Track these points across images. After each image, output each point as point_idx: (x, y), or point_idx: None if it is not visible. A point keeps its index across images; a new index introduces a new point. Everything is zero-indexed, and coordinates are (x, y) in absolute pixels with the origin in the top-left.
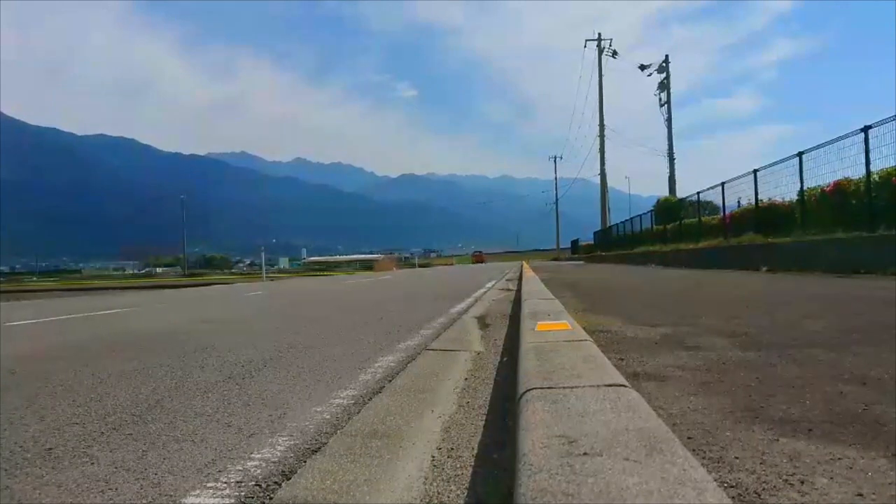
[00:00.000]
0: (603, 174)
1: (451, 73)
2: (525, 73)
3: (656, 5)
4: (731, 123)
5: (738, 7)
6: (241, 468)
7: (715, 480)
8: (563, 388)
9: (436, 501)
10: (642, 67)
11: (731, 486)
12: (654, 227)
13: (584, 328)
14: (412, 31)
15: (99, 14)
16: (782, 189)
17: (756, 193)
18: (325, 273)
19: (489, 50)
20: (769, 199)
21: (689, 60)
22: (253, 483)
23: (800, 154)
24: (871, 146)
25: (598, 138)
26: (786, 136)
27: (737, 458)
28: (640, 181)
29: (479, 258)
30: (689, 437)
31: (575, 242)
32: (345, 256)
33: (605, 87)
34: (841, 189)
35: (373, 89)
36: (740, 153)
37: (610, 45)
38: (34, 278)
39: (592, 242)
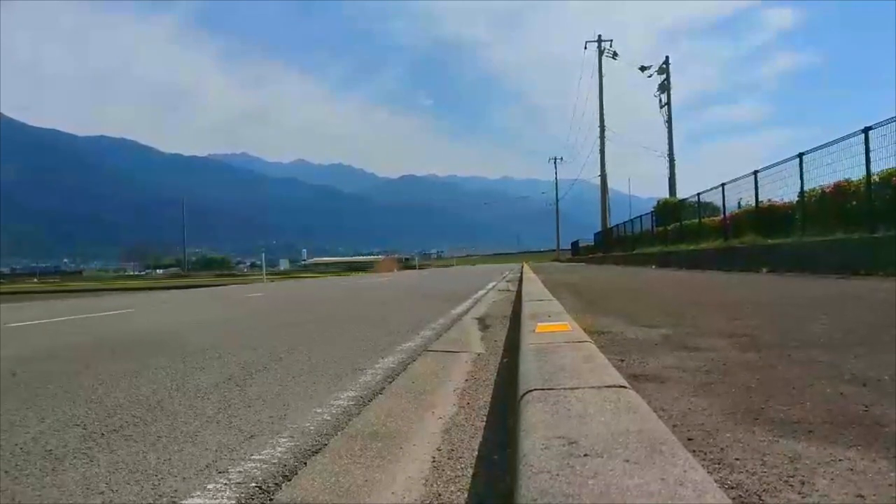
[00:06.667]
0: (603, 175)
1: (467, 83)
2: (538, 84)
3: (667, 22)
4: (734, 129)
5: (743, 23)
6: (241, 469)
7: (715, 482)
8: (564, 389)
9: (436, 502)
10: (643, 69)
11: (732, 488)
12: (655, 228)
13: (584, 329)
14: (437, 46)
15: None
16: (783, 191)
17: (756, 195)
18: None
19: (506, 63)
20: (769, 200)
21: (697, 71)
22: (253, 484)
23: (800, 155)
24: (871, 147)
25: (598, 140)
26: (788, 140)
27: (737, 459)
28: (640, 182)
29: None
30: (689, 439)
31: (575, 244)
32: (346, 258)
33: (606, 88)
34: (841, 190)
35: (391, 99)
36: (744, 157)
37: (610, 47)
38: (35, 279)
39: (592, 243)
